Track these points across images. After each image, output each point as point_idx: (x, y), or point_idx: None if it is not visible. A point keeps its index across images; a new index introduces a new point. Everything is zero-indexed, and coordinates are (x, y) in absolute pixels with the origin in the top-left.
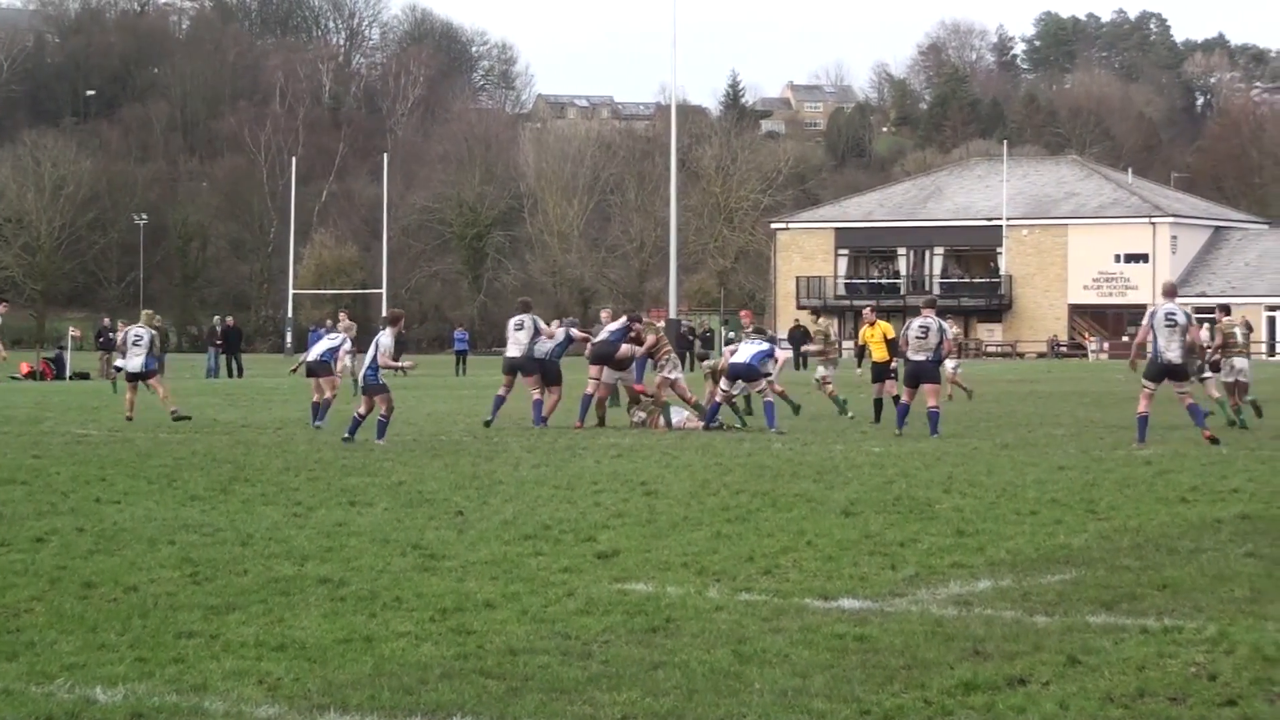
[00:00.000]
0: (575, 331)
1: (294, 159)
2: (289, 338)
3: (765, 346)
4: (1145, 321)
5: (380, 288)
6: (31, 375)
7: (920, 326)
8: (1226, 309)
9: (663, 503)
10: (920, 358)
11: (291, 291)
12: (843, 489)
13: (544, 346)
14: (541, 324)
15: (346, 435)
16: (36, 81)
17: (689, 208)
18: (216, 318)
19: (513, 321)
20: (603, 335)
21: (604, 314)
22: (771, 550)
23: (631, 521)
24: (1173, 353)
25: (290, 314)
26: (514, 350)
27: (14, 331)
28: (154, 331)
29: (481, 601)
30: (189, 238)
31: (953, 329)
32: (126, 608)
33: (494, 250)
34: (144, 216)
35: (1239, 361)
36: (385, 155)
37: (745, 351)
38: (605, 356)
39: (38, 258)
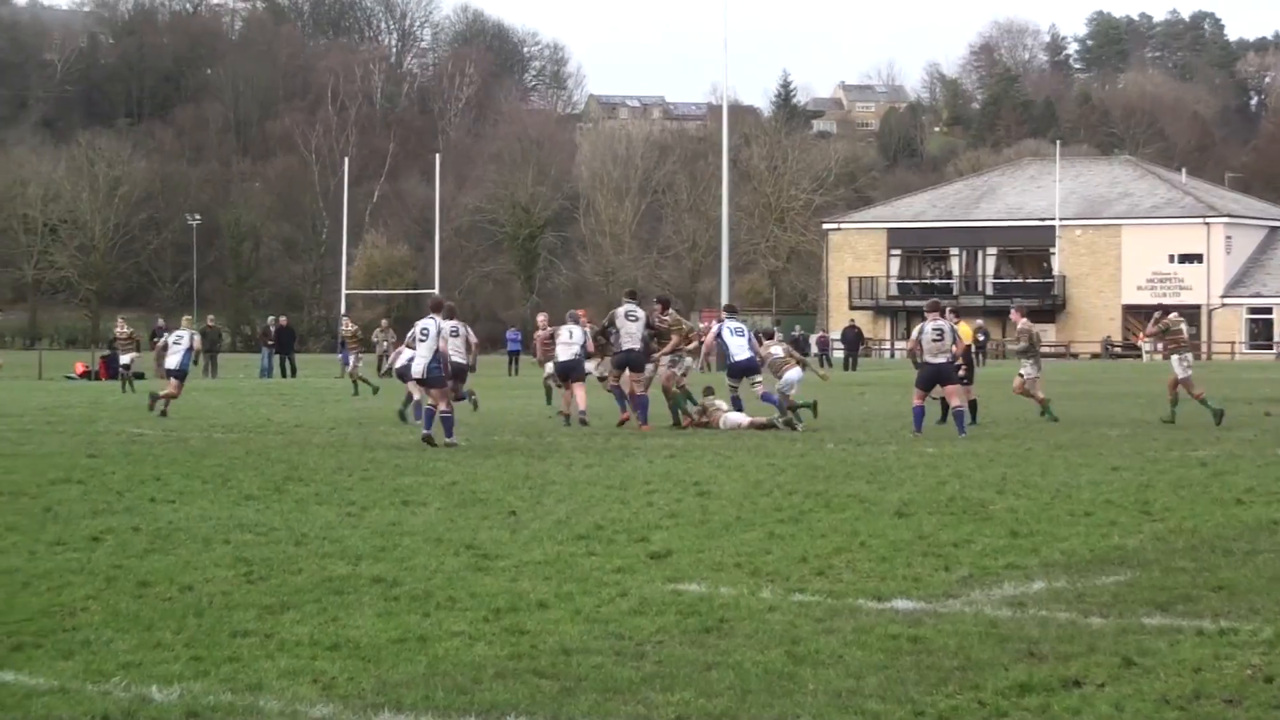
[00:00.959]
0: (580, 331)
1: (346, 159)
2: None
3: (747, 334)
4: None
5: (433, 288)
6: (87, 375)
7: (935, 329)
8: (1167, 309)
9: (716, 503)
10: (941, 360)
11: (344, 292)
12: (896, 490)
13: (573, 350)
14: (471, 332)
15: (450, 440)
16: (91, 82)
17: (741, 208)
18: (270, 318)
19: (448, 326)
20: (630, 342)
21: (540, 318)
22: (825, 551)
23: (685, 522)
24: None
25: (343, 313)
26: (455, 358)
27: (69, 331)
28: (195, 334)
29: (535, 601)
30: (242, 238)
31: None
32: (182, 607)
33: (546, 251)
34: (197, 217)
35: (1188, 357)
36: (437, 156)
37: (740, 346)
38: (637, 366)
39: (92, 258)
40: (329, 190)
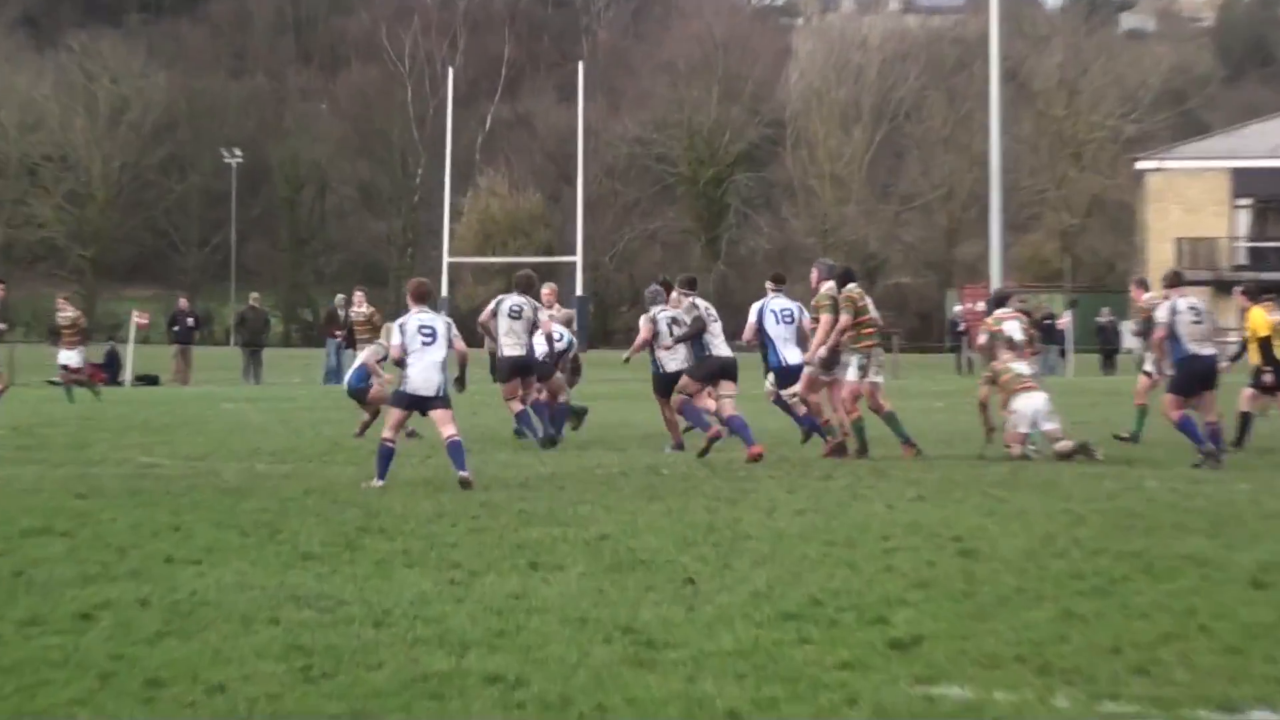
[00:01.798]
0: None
1: (450, 71)
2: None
3: (797, 318)
4: None
5: (572, 253)
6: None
7: (1190, 308)
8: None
9: (985, 567)
10: (1208, 352)
11: (446, 260)
12: (1250, 549)
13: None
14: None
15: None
16: None
17: (1019, 140)
18: (339, 297)
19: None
20: (722, 348)
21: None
22: (1147, 639)
23: (940, 595)
24: None
25: (445, 291)
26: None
27: (54, 317)
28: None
29: (723, 711)
30: (301, 184)
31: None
32: (209, 715)
33: (738, 200)
34: (238, 153)
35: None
36: (580, 64)
37: (784, 339)
38: (731, 373)
39: (88, 210)
40: (425, 115)
